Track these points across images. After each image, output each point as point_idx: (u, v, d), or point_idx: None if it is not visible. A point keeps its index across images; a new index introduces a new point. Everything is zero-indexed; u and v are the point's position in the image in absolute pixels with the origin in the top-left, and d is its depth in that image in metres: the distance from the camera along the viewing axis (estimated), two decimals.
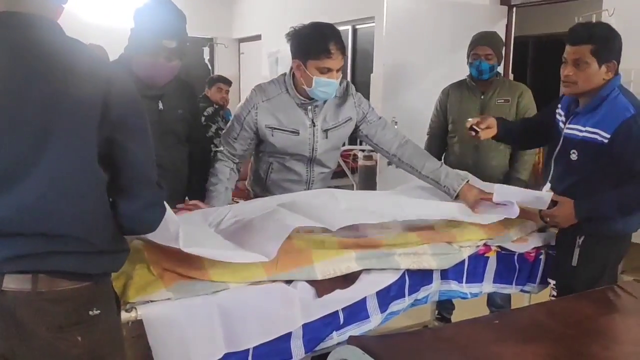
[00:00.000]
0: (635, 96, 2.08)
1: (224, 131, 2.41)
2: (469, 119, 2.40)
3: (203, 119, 4.94)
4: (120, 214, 1.32)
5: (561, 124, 2.21)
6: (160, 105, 2.19)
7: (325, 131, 2.32)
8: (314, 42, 2.15)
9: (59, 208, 1.22)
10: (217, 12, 9.07)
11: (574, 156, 2.10)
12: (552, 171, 2.22)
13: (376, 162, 4.20)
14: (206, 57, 8.21)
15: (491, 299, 3.15)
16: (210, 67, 8.30)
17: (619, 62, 2.05)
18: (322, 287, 1.70)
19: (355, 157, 5.03)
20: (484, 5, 4.33)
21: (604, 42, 2.02)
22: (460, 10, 4.17)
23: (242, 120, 2.27)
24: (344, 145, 5.44)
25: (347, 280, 1.76)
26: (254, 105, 2.26)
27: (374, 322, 1.81)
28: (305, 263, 1.69)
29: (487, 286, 2.13)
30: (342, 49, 2.19)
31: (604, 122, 2.01)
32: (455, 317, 3.32)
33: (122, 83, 1.32)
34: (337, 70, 2.19)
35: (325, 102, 2.30)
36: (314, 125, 2.29)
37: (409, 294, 1.91)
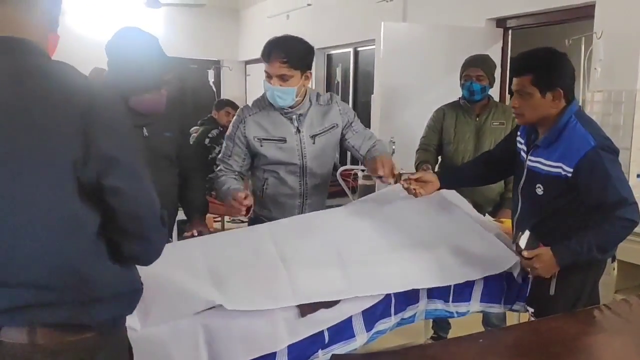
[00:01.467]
0: (593, 123, 2.02)
1: (220, 154, 2.50)
2: (404, 173, 2.37)
3: (207, 140, 5.03)
4: (124, 255, 1.24)
5: (523, 154, 2.15)
6: (145, 132, 2.21)
7: (313, 137, 2.42)
8: (264, 46, 2.30)
9: (34, 256, 1.14)
10: (224, 35, 9.24)
11: (539, 191, 2.04)
12: (519, 204, 2.17)
13: (375, 182, 4.24)
14: (211, 79, 8.33)
15: (486, 318, 3.15)
16: (214, 90, 8.42)
17: (567, 89, 1.96)
18: (306, 307, 1.73)
19: (355, 176, 5.08)
20: (480, 28, 4.39)
21: (544, 71, 1.95)
22: (457, 33, 4.23)
23: (233, 136, 2.41)
24: (344, 164, 5.52)
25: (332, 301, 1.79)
26: (242, 120, 2.40)
27: (360, 341, 1.84)
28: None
29: (475, 305, 2.14)
30: (284, 57, 2.25)
31: (566, 155, 1.94)
32: (452, 336, 3.32)
33: (108, 112, 1.20)
34: (280, 78, 2.27)
35: (309, 109, 2.42)
36: (300, 132, 2.40)
37: (395, 313, 1.94)
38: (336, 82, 6.93)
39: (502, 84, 4.39)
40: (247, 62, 9.45)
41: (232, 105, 5.36)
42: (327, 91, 7.10)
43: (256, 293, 1.72)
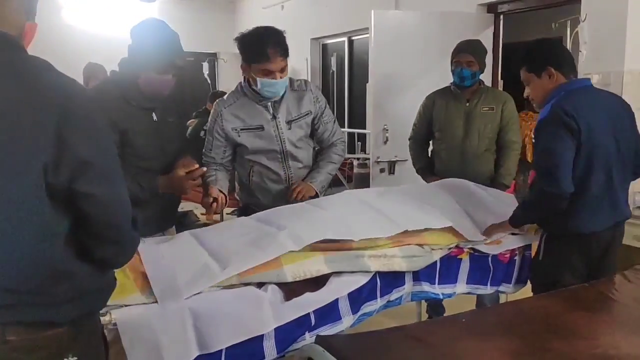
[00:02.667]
0: (573, 98, 2.14)
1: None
2: None
3: (203, 132, 5.04)
4: (95, 259, 1.24)
5: None
6: (155, 117, 2.28)
7: (289, 122, 2.49)
8: (253, 48, 2.34)
9: (3, 259, 1.12)
10: (220, 27, 9.23)
11: None
12: None
13: (370, 169, 4.28)
14: (205, 71, 8.35)
15: (480, 301, 3.20)
16: (209, 82, 8.44)
17: (557, 65, 2.17)
18: (292, 290, 1.77)
19: (351, 165, 5.11)
20: (471, 14, 4.39)
21: (529, 57, 2.25)
22: (448, 19, 4.24)
23: (212, 130, 2.49)
24: None
25: (318, 283, 1.83)
26: (218, 113, 2.46)
27: (346, 323, 1.88)
28: (275, 266, 1.77)
29: (461, 287, 2.19)
30: (282, 51, 2.34)
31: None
32: None
33: (84, 114, 1.15)
34: (281, 71, 2.36)
35: (283, 95, 2.47)
36: (275, 118, 2.46)
37: (381, 296, 1.98)
38: (331, 71, 6.94)
39: (494, 69, 4.40)
40: None
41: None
42: (322, 81, 7.13)
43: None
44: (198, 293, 1.65)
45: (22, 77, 1.12)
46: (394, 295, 2.02)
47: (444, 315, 3.37)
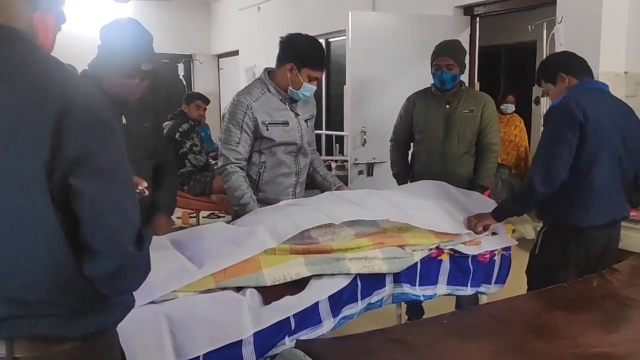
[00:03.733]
0: (582, 92, 2.25)
1: (222, 143, 2.53)
2: None
3: (178, 134, 4.97)
4: (86, 277, 1.06)
5: None
6: (124, 120, 2.22)
7: (306, 121, 2.64)
8: (313, 54, 2.50)
9: (8, 268, 1.03)
10: (195, 29, 9.18)
11: None
12: None
13: (348, 171, 4.27)
14: (181, 73, 8.27)
15: (460, 302, 3.20)
16: (184, 83, 8.36)
17: (567, 70, 2.32)
18: (272, 294, 1.74)
19: (329, 167, 5.09)
20: (448, 16, 4.42)
21: (541, 71, 2.44)
22: (425, 21, 4.25)
23: (241, 123, 2.47)
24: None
25: (297, 286, 1.80)
26: (247, 106, 2.47)
27: (327, 326, 1.85)
28: (254, 270, 1.74)
29: (441, 288, 2.18)
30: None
31: None
32: None
33: (88, 109, 1.05)
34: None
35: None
36: (298, 115, 2.59)
37: (362, 298, 1.96)
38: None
39: (471, 71, 4.43)
40: (220, 56, 9.39)
41: (202, 98, 5.31)
42: None
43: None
44: (173, 298, 1.61)
45: (28, 74, 1.04)
46: (374, 298, 2.00)
47: (424, 317, 3.38)
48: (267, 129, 2.49)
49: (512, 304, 2.03)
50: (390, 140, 3.35)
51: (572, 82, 2.29)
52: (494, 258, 2.32)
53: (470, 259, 2.24)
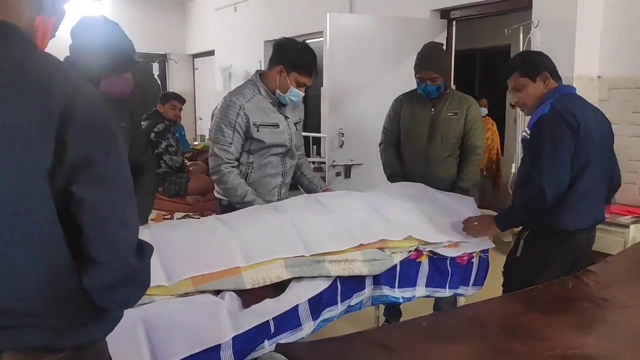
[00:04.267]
0: (569, 98, 2.23)
1: (214, 143, 2.51)
2: None
3: (153, 135, 4.88)
4: (84, 288, 1.02)
5: None
6: None
7: (295, 124, 2.68)
8: (304, 60, 2.50)
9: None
10: (171, 29, 9.07)
11: (521, 155, 2.38)
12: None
13: (325, 173, 4.26)
14: (155, 72, 8.16)
15: (438, 304, 3.21)
16: (159, 83, 8.25)
17: (551, 70, 2.26)
18: (251, 297, 1.71)
19: None
20: (425, 19, 4.45)
21: (525, 62, 2.29)
22: (402, 24, 4.28)
23: (234, 123, 2.47)
24: None
25: (277, 289, 1.78)
26: (240, 107, 2.48)
27: (307, 329, 1.84)
28: (233, 273, 1.71)
29: (420, 290, 2.19)
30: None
31: (530, 122, 2.26)
32: None
33: (90, 113, 1.00)
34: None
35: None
36: (287, 118, 2.62)
37: (342, 301, 1.95)
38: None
39: (447, 74, 4.45)
40: (195, 56, 9.30)
41: (178, 98, 5.22)
42: None
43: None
44: (150, 302, 1.57)
45: (29, 74, 0.99)
46: (354, 300, 1.99)
47: (401, 319, 3.38)
48: (258, 130, 2.50)
49: (490, 306, 2.04)
50: (379, 144, 3.30)
51: (551, 85, 2.26)
52: (472, 260, 2.33)
53: (448, 261, 2.25)
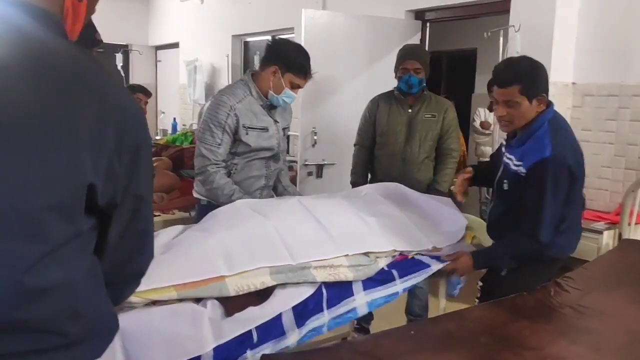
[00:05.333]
0: (563, 131, 2.10)
1: (201, 142, 2.42)
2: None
3: None
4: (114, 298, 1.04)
5: (503, 149, 2.30)
6: None
7: (283, 129, 2.63)
8: (300, 61, 2.45)
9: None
10: (133, 19, 8.79)
11: (505, 186, 2.18)
12: (494, 196, 2.32)
13: (296, 173, 4.17)
14: (119, 63, 7.87)
15: (409, 308, 3.19)
16: (122, 74, 7.96)
17: (546, 91, 2.09)
18: (234, 304, 1.62)
19: None
20: (399, 20, 4.42)
21: (531, 80, 2.04)
22: (376, 24, 4.23)
23: (224, 124, 2.39)
24: None
25: (261, 296, 1.69)
26: (231, 107, 2.40)
27: (291, 339, 1.74)
28: (216, 279, 1.61)
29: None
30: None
31: (525, 157, 2.07)
32: (374, 326, 3.33)
33: (138, 125, 0.92)
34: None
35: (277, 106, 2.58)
36: (277, 122, 2.56)
37: (328, 308, 1.86)
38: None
39: None
40: (158, 48, 9.05)
41: (144, 91, 5.02)
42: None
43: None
44: (129, 309, 1.45)
45: (69, 70, 0.86)
46: (343, 308, 1.89)
47: (372, 322, 3.34)
48: (247, 133, 2.44)
49: (476, 313, 2.00)
50: (354, 144, 3.26)
51: (542, 107, 2.08)
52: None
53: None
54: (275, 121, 2.55)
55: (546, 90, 2.08)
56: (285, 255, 1.81)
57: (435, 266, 2.13)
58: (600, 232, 3.08)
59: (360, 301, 1.92)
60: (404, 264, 2.13)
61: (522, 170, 2.08)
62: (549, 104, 2.12)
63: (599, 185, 3.44)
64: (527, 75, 2.05)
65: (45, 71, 0.83)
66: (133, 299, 1.47)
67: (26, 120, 0.80)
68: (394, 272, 2.09)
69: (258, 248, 1.82)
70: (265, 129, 2.49)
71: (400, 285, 2.07)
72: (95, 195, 0.85)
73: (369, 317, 3.30)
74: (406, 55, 3.02)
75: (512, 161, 2.15)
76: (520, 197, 2.10)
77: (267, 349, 1.68)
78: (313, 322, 1.80)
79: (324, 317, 1.83)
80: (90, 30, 2.01)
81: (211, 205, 2.43)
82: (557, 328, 1.89)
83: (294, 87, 2.47)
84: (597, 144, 3.42)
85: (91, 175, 0.83)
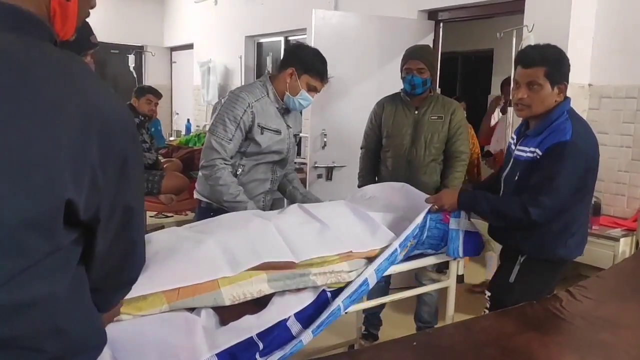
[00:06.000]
0: (582, 121, 2.10)
1: (213, 135, 2.37)
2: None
3: None
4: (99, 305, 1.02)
5: (512, 146, 2.25)
6: None
7: (295, 136, 2.60)
8: (318, 64, 2.45)
9: None
10: (148, 21, 8.85)
11: (516, 177, 2.14)
12: (501, 191, 2.26)
13: (306, 175, 4.12)
14: (131, 64, 7.90)
15: (418, 314, 3.12)
16: (135, 75, 8.00)
17: (568, 81, 2.06)
18: (229, 313, 1.57)
19: None
20: (412, 20, 4.35)
21: (557, 64, 2.03)
22: (389, 24, 4.16)
23: (239, 120, 2.35)
24: None
25: (258, 304, 1.64)
26: (249, 104, 2.37)
27: (305, 339, 1.66)
28: (211, 288, 1.56)
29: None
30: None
31: (544, 142, 2.03)
32: (383, 333, 3.27)
33: (126, 136, 0.89)
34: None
35: (291, 111, 2.55)
36: (289, 127, 2.53)
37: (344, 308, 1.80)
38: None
39: (433, 76, 4.36)
40: (173, 49, 9.08)
41: (154, 93, 5.00)
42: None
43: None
44: (117, 321, 1.41)
45: (57, 74, 0.82)
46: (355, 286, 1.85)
47: (381, 327, 3.28)
48: (262, 133, 2.41)
49: (482, 324, 1.94)
50: (361, 148, 3.21)
51: (561, 97, 2.07)
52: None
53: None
54: (288, 126, 2.53)
55: (567, 80, 2.05)
56: (287, 252, 1.76)
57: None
58: (616, 239, 2.98)
59: (369, 271, 1.86)
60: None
61: (538, 153, 2.04)
62: (566, 98, 2.09)
63: (616, 190, 3.33)
64: (554, 59, 2.04)
65: (20, 81, 0.79)
66: (122, 316, 1.43)
67: (1, 134, 0.76)
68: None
69: (260, 246, 1.77)
70: (278, 132, 2.46)
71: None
72: (75, 210, 0.82)
73: (377, 323, 3.24)
74: (409, 55, 2.96)
75: (525, 152, 2.11)
76: (530, 179, 2.06)
77: (279, 354, 1.61)
78: (326, 316, 1.72)
79: (336, 305, 1.76)
80: (85, 32, 1.98)
81: (210, 207, 2.39)
82: (567, 341, 1.82)
83: (311, 89, 2.46)
84: (614, 147, 3.32)
85: (70, 190, 0.80)
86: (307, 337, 1.67)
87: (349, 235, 1.97)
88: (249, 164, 2.45)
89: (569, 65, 2.08)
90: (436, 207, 2.17)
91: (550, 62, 2.02)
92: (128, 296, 1.45)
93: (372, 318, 3.18)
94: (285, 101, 2.46)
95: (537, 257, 2.12)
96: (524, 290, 2.09)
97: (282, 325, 1.66)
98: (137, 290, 1.46)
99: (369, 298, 2.27)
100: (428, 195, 2.35)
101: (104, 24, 7.41)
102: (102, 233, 0.89)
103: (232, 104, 2.36)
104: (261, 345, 1.59)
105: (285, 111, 2.51)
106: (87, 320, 0.94)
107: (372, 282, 1.88)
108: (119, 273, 1.02)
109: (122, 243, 0.96)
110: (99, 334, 1.00)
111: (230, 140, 2.35)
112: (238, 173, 2.44)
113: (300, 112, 2.71)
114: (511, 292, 2.13)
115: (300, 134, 2.82)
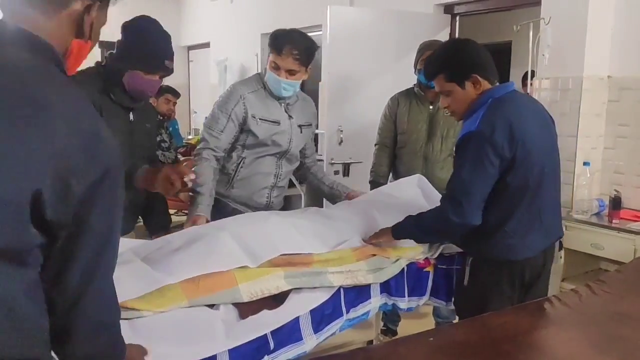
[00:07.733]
0: (505, 108, 1.91)
1: (206, 127, 2.41)
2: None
3: None
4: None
5: None
6: (131, 117, 2.19)
7: (300, 127, 2.52)
8: (275, 39, 2.35)
9: None
10: (165, 19, 8.84)
11: None
12: None
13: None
14: None
15: (437, 309, 3.12)
16: None
17: (482, 71, 1.94)
18: (248, 307, 1.59)
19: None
20: (428, 14, 4.32)
21: (450, 65, 1.97)
22: (405, 18, 4.15)
23: (230, 111, 2.36)
24: None
25: (276, 300, 1.66)
26: (241, 96, 2.37)
27: (309, 344, 1.70)
28: (229, 285, 1.59)
29: (425, 298, 2.09)
30: (298, 54, 2.30)
31: (461, 133, 1.96)
32: (401, 328, 3.28)
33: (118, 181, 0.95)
34: (289, 73, 2.33)
35: (296, 101, 2.51)
36: (291, 118, 2.47)
37: (347, 312, 1.82)
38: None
39: None
40: (190, 48, 9.13)
41: (173, 92, 5.06)
42: None
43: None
44: (139, 317, 1.44)
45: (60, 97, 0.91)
46: (360, 310, 1.87)
47: (399, 324, 3.28)
48: (257, 124, 2.38)
49: (499, 319, 1.92)
50: (375, 144, 3.20)
51: (484, 87, 1.94)
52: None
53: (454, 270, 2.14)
54: (290, 116, 2.47)
55: (479, 70, 1.93)
56: (305, 245, 1.79)
57: None
58: (637, 233, 2.94)
59: (375, 304, 1.88)
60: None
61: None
62: (494, 83, 1.97)
63: (637, 183, 3.28)
64: (447, 62, 1.98)
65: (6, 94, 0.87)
66: (144, 312, 1.46)
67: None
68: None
69: (278, 239, 1.81)
70: (276, 122, 2.41)
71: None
72: (41, 205, 0.85)
73: (396, 318, 3.25)
74: (425, 48, 2.95)
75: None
76: None
77: (284, 354, 1.64)
78: (332, 328, 1.76)
79: (342, 321, 1.79)
80: (161, 53, 2.13)
81: (219, 201, 2.40)
82: (586, 336, 1.80)
83: (274, 67, 2.33)
84: (635, 140, 3.27)
85: (41, 182, 0.84)
86: (311, 342, 1.70)
87: (364, 226, 1.98)
88: (251, 156, 2.44)
89: (468, 55, 1.97)
90: (373, 242, 2.05)
91: (443, 66, 1.97)
92: (148, 291, 1.50)
93: (390, 314, 3.18)
94: (270, 89, 2.40)
95: (479, 257, 2.03)
96: (476, 292, 2.01)
97: (294, 323, 1.67)
98: (158, 282, 1.50)
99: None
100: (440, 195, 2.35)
101: (120, 24, 7.47)
102: (62, 246, 0.90)
103: (226, 97, 2.40)
104: (272, 345, 1.61)
105: (285, 103, 2.45)
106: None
107: (373, 314, 1.93)
108: (79, 307, 0.94)
109: (79, 264, 0.91)
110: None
111: (221, 131, 2.36)
112: (240, 166, 2.44)
113: (314, 103, 2.67)
114: (467, 296, 2.06)
115: (317, 130, 2.81)
